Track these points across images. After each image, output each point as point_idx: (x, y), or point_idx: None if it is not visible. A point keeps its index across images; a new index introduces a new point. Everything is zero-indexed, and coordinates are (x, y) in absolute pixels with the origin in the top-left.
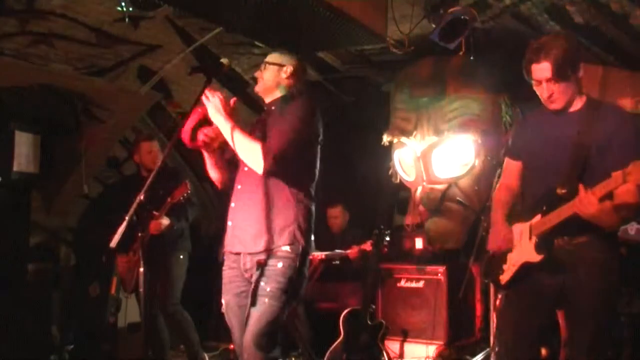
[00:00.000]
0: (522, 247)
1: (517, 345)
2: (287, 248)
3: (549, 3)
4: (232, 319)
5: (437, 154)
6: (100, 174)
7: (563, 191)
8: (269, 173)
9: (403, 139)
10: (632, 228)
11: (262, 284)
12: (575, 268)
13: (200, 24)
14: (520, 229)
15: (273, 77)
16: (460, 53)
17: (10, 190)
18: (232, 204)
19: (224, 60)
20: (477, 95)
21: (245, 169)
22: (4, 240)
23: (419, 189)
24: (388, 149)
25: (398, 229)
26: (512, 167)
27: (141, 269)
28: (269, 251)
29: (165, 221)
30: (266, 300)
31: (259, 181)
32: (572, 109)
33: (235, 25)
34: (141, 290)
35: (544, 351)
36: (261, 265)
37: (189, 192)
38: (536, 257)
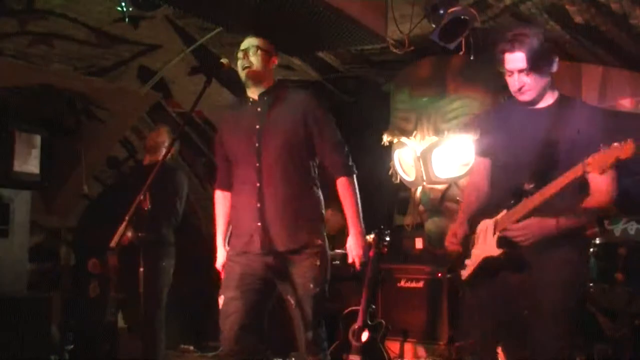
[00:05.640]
0: (485, 242)
1: (484, 342)
2: (320, 241)
3: (549, 3)
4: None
5: (437, 154)
6: (100, 174)
7: (530, 186)
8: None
9: (403, 139)
10: (632, 228)
11: (311, 285)
12: (542, 267)
13: (200, 24)
14: (486, 225)
15: (263, 65)
16: (460, 53)
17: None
18: (258, 205)
19: (224, 60)
20: (477, 95)
21: (258, 164)
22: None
23: (419, 189)
24: (388, 149)
25: (398, 229)
26: (479, 165)
27: (141, 269)
28: (306, 247)
29: (129, 233)
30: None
31: (280, 176)
32: (542, 105)
33: (235, 25)
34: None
35: None
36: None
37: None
38: (496, 251)
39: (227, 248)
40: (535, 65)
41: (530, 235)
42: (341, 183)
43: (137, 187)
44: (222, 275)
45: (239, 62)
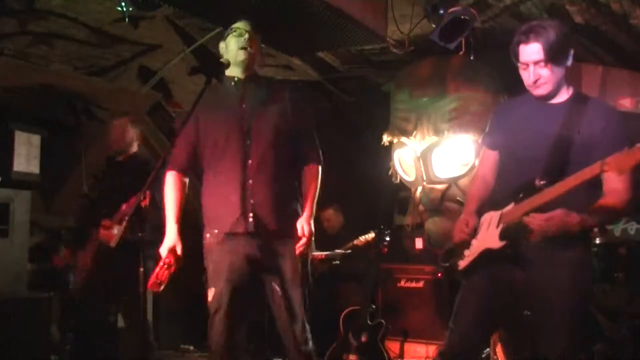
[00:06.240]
0: (487, 234)
1: (471, 334)
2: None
3: (549, 3)
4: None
5: (437, 154)
6: (101, 174)
7: (542, 183)
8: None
9: (403, 139)
10: (632, 228)
11: (299, 266)
12: (545, 266)
13: (200, 24)
14: (490, 216)
15: (257, 52)
16: (460, 53)
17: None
18: (250, 182)
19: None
20: (477, 95)
21: (248, 142)
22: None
23: (419, 189)
24: (388, 149)
25: (398, 229)
26: (489, 158)
27: (141, 269)
28: (292, 228)
29: (115, 231)
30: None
31: (271, 155)
32: (557, 100)
33: None
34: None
35: None
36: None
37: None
38: (497, 244)
39: (207, 235)
40: (552, 56)
41: (552, 228)
42: (313, 170)
43: (117, 185)
44: (164, 259)
45: (236, 40)
